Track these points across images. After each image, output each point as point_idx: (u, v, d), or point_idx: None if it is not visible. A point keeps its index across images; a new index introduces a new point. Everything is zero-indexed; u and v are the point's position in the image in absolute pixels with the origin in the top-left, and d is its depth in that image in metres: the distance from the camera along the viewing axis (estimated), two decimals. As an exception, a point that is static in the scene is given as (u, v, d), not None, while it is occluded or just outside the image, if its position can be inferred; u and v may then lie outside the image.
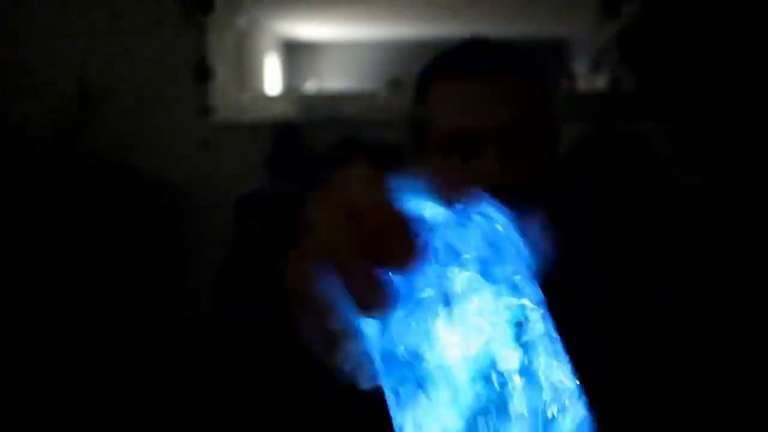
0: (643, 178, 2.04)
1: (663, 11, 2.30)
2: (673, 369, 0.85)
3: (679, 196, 2.01)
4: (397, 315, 0.33)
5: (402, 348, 0.33)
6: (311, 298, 0.33)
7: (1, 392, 1.87)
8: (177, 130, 2.70)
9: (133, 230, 2.40)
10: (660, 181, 2.07)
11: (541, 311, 0.35)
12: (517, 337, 0.34)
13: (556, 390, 0.34)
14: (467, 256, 0.34)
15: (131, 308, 2.31)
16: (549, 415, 0.33)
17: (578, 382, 0.35)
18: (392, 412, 0.34)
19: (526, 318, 0.34)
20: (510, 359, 0.33)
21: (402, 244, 0.32)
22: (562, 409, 0.34)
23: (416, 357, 0.33)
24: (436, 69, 0.79)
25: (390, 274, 0.32)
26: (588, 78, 4.71)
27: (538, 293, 0.35)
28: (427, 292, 0.33)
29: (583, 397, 0.36)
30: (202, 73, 2.65)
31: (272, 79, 5.69)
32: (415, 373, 0.33)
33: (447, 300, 0.33)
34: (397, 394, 0.34)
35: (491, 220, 0.36)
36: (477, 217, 0.35)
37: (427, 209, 0.35)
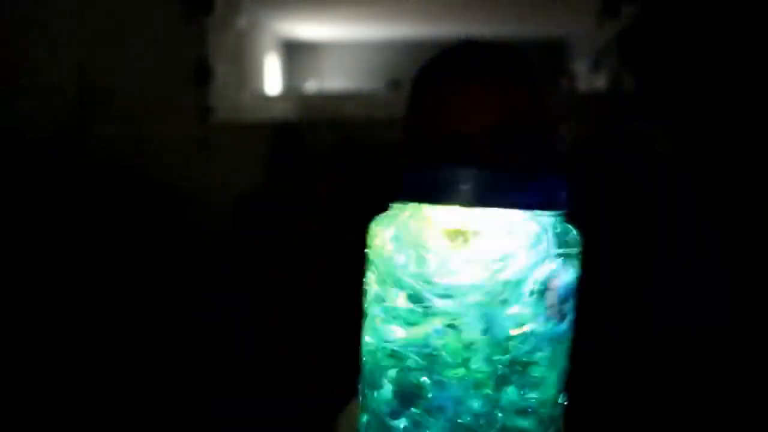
0: (643, 178, 2.04)
1: (663, 11, 2.30)
2: (673, 368, 0.85)
3: (679, 196, 2.01)
4: None
5: None
6: None
7: (1, 392, 1.87)
8: (177, 130, 2.70)
9: (133, 229, 2.40)
10: (660, 181, 2.07)
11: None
12: None
13: None
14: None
15: (131, 308, 2.31)
16: None
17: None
18: None
19: None
20: None
21: None
22: None
23: None
24: (430, 71, 0.79)
25: None
26: (588, 78, 4.71)
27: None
28: None
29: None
30: (202, 74, 2.65)
31: (272, 79, 5.69)
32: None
33: None
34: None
35: None
36: None
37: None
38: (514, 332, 0.36)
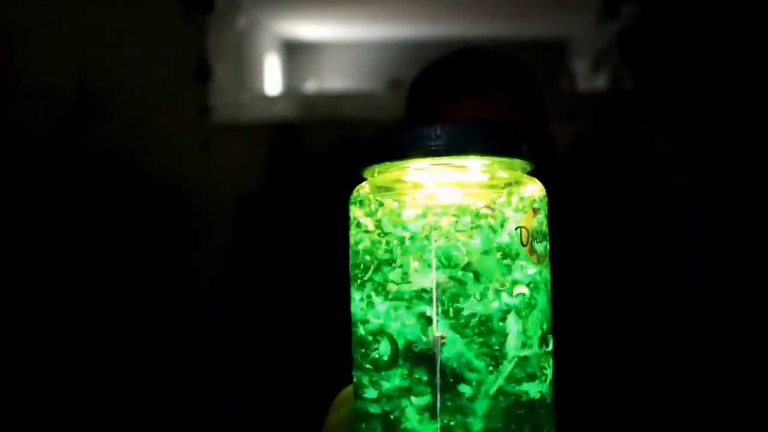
0: (642, 179, 2.04)
1: (663, 11, 2.30)
2: (671, 368, 0.85)
3: (679, 196, 2.01)
4: None
5: None
6: None
7: (4, 393, 1.87)
8: (177, 130, 2.70)
9: (133, 230, 2.40)
10: (660, 181, 2.07)
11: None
12: None
13: None
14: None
15: (131, 308, 2.31)
16: None
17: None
18: None
19: None
20: None
21: None
22: None
23: None
24: (425, 79, 0.80)
25: None
26: (588, 78, 4.71)
27: None
28: None
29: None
30: (202, 73, 2.65)
31: (272, 79, 5.69)
32: None
33: None
34: None
35: None
36: None
37: None
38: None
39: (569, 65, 5.96)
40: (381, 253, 0.39)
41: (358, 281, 0.40)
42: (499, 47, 0.97)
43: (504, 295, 0.37)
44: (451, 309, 0.36)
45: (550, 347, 0.39)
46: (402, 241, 0.38)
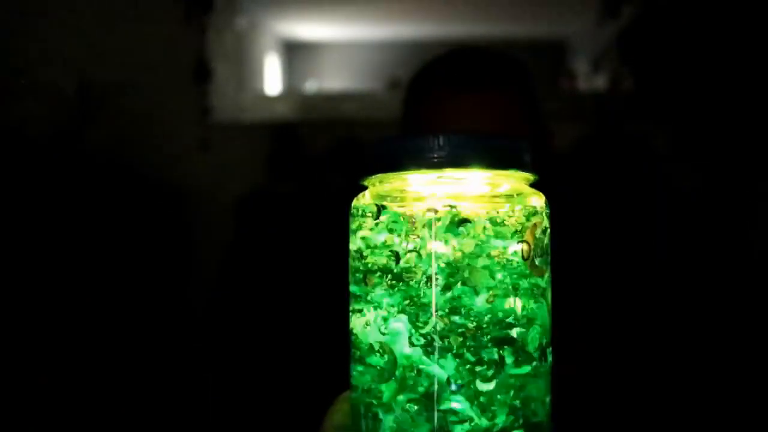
0: (642, 179, 2.04)
1: (663, 11, 2.30)
2: (671, 367, 0.85)
3: (679, 195, 2.01)
4: None
5: None
6: None
7: (4, 393, 1.87)
8: (177, 130, 2.70)
9: (133, 230, 2.40)
10: (660, 182, 2.08)
11: None
12: None
13: None
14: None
15: (130, 307, 2.31)
16: None
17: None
18: None
19: None
20: None
21: None
22: None
23: None
24: (423, 78, 0.80)
25: None
26: (588, 78, 4.71)
27: None
28: None
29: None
30: (202, 73, 2.65)
31: (272, 79, 5.69)
32: None
33: None
34: None
35: None
36: None
37: None
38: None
39: (569, 65, 5.97)
40: (380, 264, 0.38)
41: (356, 291, 0.40)
42: (499, 47, 0.98)
43: (502, 311, 0.37)
44: (449, 323, 0.36)
45: (549, 361, 0.39)
46: (402, 252, 0.38)
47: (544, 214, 0.39)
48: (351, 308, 0.40)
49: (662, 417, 0.80)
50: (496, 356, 0.36)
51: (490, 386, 0.35)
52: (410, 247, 0.37)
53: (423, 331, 0.36)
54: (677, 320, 0.99)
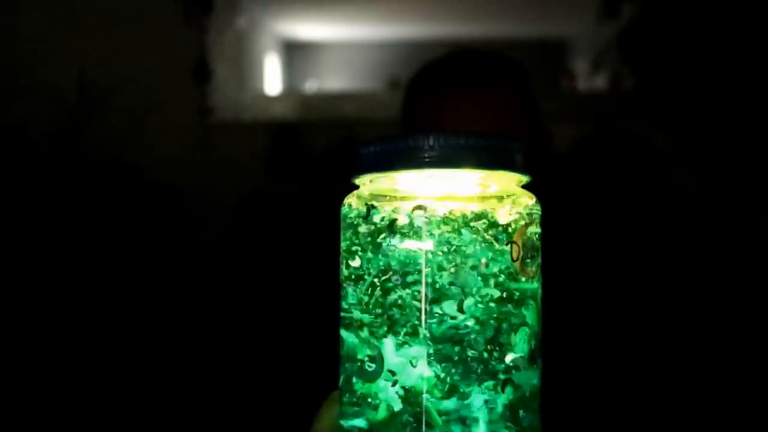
0: (642, 178, 2.04)
1: (663, 11, 2.30)
2: (670, 367, 0.85)
3: (679, 195, 2.02)
4: None
5: None
6: None
7: (4, 393, 1.87)
8: (177, 130, 2.70)
9: (133, 229, 2.40)
10: (660, 181, 2.08)
11: None
12: None
13: None
14: None
15: (129, 307, 2.31)
16: None
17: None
18: None
19: None
20: None
21: None
22: None
23: None
24: (422, 80, 0.80)
25: None
26: (588, 78, 4.71)
27: None
28: None
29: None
30: (202, 73, 2.65)
31: (272, 79, 5.69)
32: None
33: None
34: None
35: None
36: None
37: None
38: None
39: (569, 65, 5.98)
40: (369, 264, 0.38)
41: (347, 290, 0.39)
42: (499, 47, 0.98)
43: (491, 311, 0.36)
44: (438, 326, 0.35)
45: (539, 363, 0.38)
46: (391, 251, 0.37)
47: (534, 216, 0.39)
48: (341, 308, 0.40)
49: (663, 419, 0.80)
50: (485, 357, 0.35)
51: (477, 389, 0.35)
52: (398, 245, 0.37)
53: (411, 333, 0.35)
54: (677, 320, 0.99)
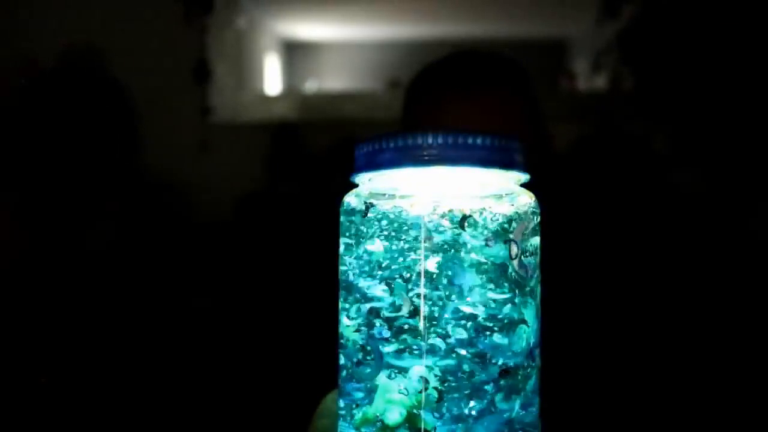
0: (642, 178, 2.04)
1: (663, 11, 2.30)
2: (671, 368, 0.85)
3: (679, 196, 2.02)
4: None
5: None
6: None
7: (4, 393, 1.87)
8: (177, 130, 2.70)
9: (133, 229, 2.40)
10: (660, 181, 2.08)
11: None
12: None
13: None
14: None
15: (129, 307, 2.31)
16: None
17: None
18: None
19: None
20: None
21: None
22: None
23: None
24: (423, 81, 0.80)
25: None
26: (588, 78, 4.71)
27: None
28: None
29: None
30: (202, 73, 2.65)
31: (272, 79, 5.69)
32: None
33: None
34: None
35: None
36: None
37: None
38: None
39: (569, 65, 5.98)
40: (368, 263, 0.38)
41: (345, 290, 0.40)
42: (500, 47, 0.98)
43: (490, 309, 0.37)
44: (436, 324, 0.36)
45: (537, 361, 0.38)
46: (389, 249, 0.37)
47: (533, 214, 0.39)
48: (340, 307, 0.39)
49: (662, 419, 0.80)
50: (484, 355, 0.35)
51: (476, 388, 0.35)
52: (396, 243, 0.37)
53: (409, 332, 0.35)
54: (677, 321, 0.99)
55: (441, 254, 0.37)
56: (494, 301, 0.37)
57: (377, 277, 0.38)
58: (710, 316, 1.28)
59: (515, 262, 0.37)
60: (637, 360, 0.81)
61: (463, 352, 0.36)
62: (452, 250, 0.37)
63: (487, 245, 0.37)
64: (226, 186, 2.59)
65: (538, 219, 0.40)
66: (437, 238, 0.37)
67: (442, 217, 0.37)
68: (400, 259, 0.37)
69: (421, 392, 0.36)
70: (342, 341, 0.40)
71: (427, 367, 0.36)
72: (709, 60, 2.17)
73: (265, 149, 2.62)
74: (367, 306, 0.38)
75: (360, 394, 0.38)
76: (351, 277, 0.39)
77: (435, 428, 0.36)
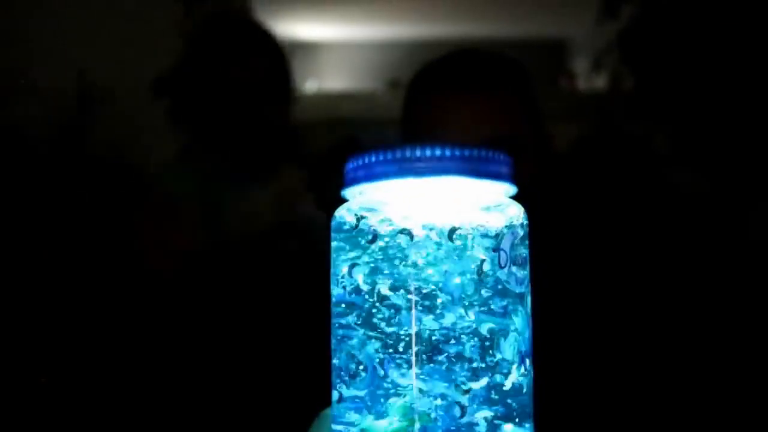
0: (642, 178, 2.04)
1: (663, 11, 2.30)
2: (671, 369, 0.85)
3: (679, 196, 2.01)
4: None
5: None
6: None
7: (4, 393, 1.87)
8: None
9: (132, 229, 2.39)
10: (660, 181, 2.07)
11: None
12: None
13: None
14: None
15: (129, 307, 2.31)
16: None
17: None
18: None
19: None
20: None
21: None
22: None
23: None
24: (424, 82, 0.80)
25: None
26: (588, 78, 4.72)
27: None
28: None
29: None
30: (202, 73, 2.65)
31: (272, 79, 5.68)
32: None
33: None
34: None
35: None
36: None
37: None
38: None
39: (569, 65, 5.97)
40: (359, 275, 0.38)
41: (335, 304, 0.40)
42: (499, 47, 0.97)
43: (479, 318, 0.37)
44: (426, 333, 0.36)
45: (529, 370, 0.39)
46: (379, 261, 0.38)
47: (522, 225, 0.40)
48: (332, 316, 0.40)
49: (660, 421, 0.80)
50: (474, 365, 0.36)
51: (467, 397, 0.35)
52: (385, 255, 0.37)
53: (399, 342, 0.36)
54: (677, 321, 0.99)
55: (430, 266, 0.37)
56: (484, 311, 0.37)
57: (365, 291, 0.38)
58: (710, 316, 1.28)
59: (504, 271, 0.38)
60: (637, 360, 0.81)
61: (453, 361, 0.37)
62: (441, 263, 0.37)
63: (476, 256, 0.38)
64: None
65: (527, 230, 0.40)
66: (426, 251, 0.37)
67: (431, 229, 0.38)
68: (389, 272, 0.38)
69: (412, 404, 0.36)
70: (333, 350, 0.40)
71: (417, 374, 0.37)
72: (710, 60, 2.17)
73: (265, 149, 2.62)
74: (358, 320, 0.39)
75: (355, 416, 0.38)
76: (342, 289, 0.40)
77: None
